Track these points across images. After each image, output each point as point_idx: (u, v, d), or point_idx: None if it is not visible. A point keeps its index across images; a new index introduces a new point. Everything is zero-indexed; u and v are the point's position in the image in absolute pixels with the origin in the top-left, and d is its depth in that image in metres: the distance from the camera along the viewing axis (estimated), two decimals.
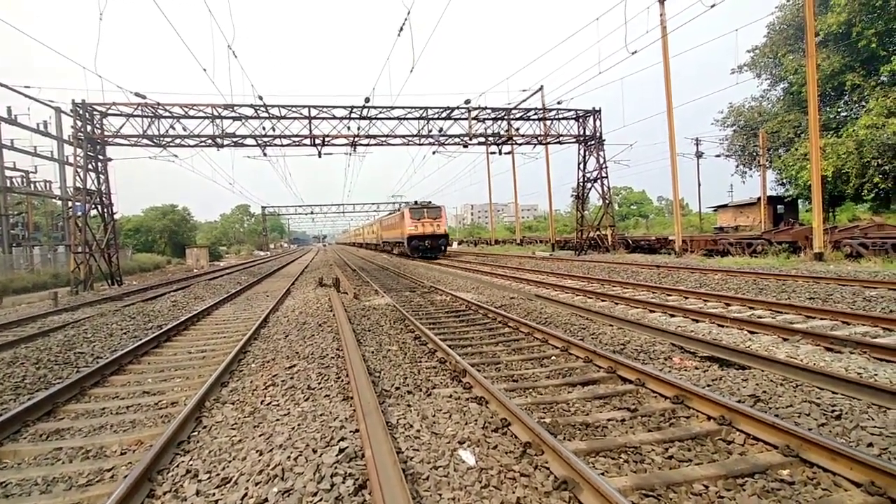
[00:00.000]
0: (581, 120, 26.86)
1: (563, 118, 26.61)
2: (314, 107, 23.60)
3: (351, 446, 3.76)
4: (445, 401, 4.92)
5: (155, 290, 19.21)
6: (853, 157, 27.10)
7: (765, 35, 34.12)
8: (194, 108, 22.51)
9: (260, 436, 4.27)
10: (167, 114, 22.33)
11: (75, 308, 13.98)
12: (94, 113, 21.51)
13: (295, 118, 23.55)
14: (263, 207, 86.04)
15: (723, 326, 7.80)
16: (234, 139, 23.32)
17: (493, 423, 4.27)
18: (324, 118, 23.87)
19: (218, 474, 3.64)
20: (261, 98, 22.38)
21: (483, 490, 3.22)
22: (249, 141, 23.71)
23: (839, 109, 31.98)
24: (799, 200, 32.21)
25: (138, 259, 39.49)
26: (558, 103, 26.35)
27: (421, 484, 3.30)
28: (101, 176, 22.14)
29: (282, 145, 24.42)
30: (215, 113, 22.64)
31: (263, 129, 23.56)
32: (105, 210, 22.39)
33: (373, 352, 7.20)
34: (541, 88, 27.79)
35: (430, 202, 34.14)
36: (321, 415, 4.60)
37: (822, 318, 7.86)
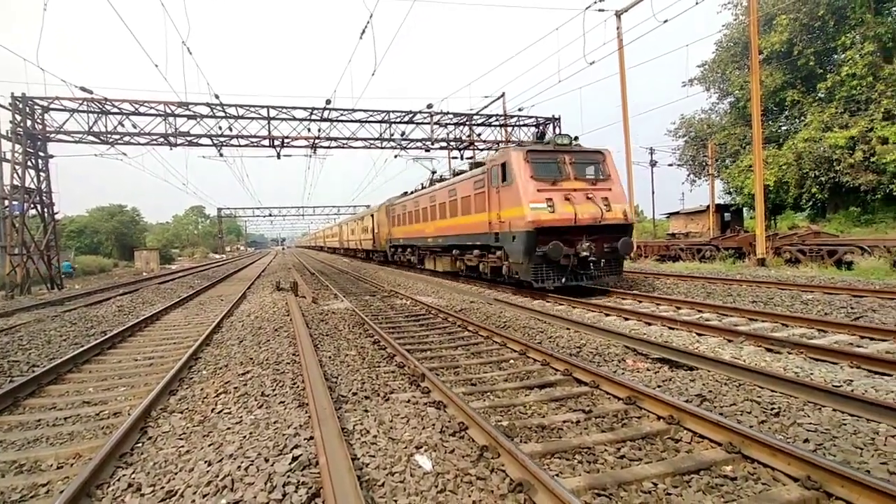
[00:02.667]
0: (541, 127, 27.37)
1: (524, 125, 27.05)
2: (273, 107, 23.09)
3: (305, 454, 3.68)
4: (403, 405, 4.89)
5: (100, 293, 18.26)
6: (793, 168, 28.76)
7: (713, 52, 35.78)
8: (145, 104, 21.59)
9: (209, 445, 4.11)
10: (116, 110, 21.31)
11: (10, 314, 13.10)
12: (35, 107, 20.31)
13: (253, 118, 22.96)
14: (219, 209, 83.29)
15: (673, 329, 8.08)
16: (189, 138, 22.50)
17: (451, 428, 4.27)
18: (283, 119, 23.38)
19: (163, 487, 3.48)
20: (217, 97, 21.69)
21: (439, 495, 3.21)
22: (205, 140, 22.92)
23: (781, 124, 33.89)
24: (744, 209, 33.85)
25: (81, 262, 37.44)
26: (519, 110, 26.76)
27: (376, 490, 3.26)
28: (41, 174, 20.91)
29: (239, 145, 23.75)
30: (168, 111, 21.79)
31: (220, 128, 22.85)
32: (45, 210, 21.15)
33: (330, 357, 7.07)
34: (502, 95, 28.12)
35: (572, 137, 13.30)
36: (275, 422, 4.48)
37: (763, 321, 8.28)
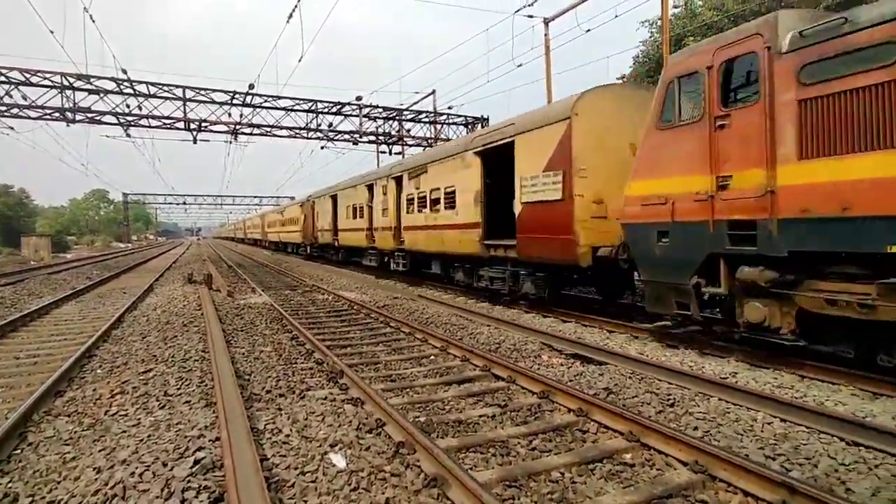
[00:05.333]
0: (470, 126, 27.79)
1: (454, 123, 27.31)
2: (190, 88, 21.60)
3: (209, 456, 3.48)
4: (320, 403, 4.77)
5: None
6: None
7: (630, 66, 38.12)
8: (38, 74, 19.40)
9: (100, 451, 3.77)
10: (1, 78, 18.97)
11: None
12: None
13: (167, 98, 21.35)
14: (125, 194, 76.78)
15: (587, 326, 8.51)
16: (90, 115, 20.51)
17: (368, 424, 4.22)
18: (201, 101, 21.95)
19: (43, 497, 3.15)
20: (124, 71, 19.95)
21: (352, 493, 3.16)
22: (109, 118, 21.02)
23: None
24: None
25: None
26: (449, 108, 27.01)
27: (285, 492, 3.15)
28: None
29: (150, 126, 22.04)
30: (66, 83, 19.72)
31: (127, 106, 21.03)
32: None
33: (244, 353, 6.75)
34: (433, 92, 28.20)
35: None
36: (177, 424, 4.20)
37: (666, 318, 8.92)
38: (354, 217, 19.72)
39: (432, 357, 6.67)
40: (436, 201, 12.82)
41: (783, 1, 20.26)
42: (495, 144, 10.40)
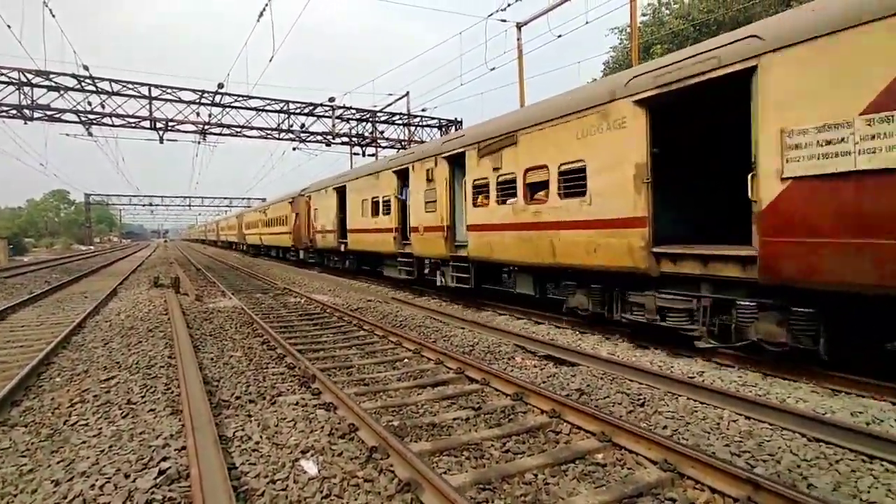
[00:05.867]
0: (444, 129, 27.83)
1: (427, 125, 27.29)
2: (156, 86, 20.96)
3: (175, 466, 3.37)
4: (291, 409, 4.68)
5: None
6: None
7: (601, 71, 38.85)
8: None
9: (59, 463, 3.61)
10: None
11: None
12: None
13: (131, 96, 20.65)
14: (87, 194, 74.10)
15: (559, 328, 8.60)
16: (49, 112, 19.70)
17: (341, 430, 4.16)
18: (168, 100, 21.32)
19: None
20: (86, 68, 19.25)
21: (324, 500, 3.11)
22: (70, 116, 20.22)
23: None
24: None
25: None
26: (423, 110, 26.98)
27: (255, 501, 3.07)
28: None
29: (113, 125, 21.29)
30: (24, 79, 18.90)
31: (89, 104, 20.26)
32: None
33: (213, 359, 6.58)
34: (406, 94, 28.13)
35: None
36: (141, 433, 4.06)
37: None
38: (375, 214, 15.13)
39: (406, 360, 6.63)
40: (538, 186, 8.64)
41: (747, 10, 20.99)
42: (696, 79, 5.90)
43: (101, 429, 4.22)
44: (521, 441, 4.04)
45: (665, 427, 4.22)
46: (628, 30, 35.04)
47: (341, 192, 18.18)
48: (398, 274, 13.87)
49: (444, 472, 3.44)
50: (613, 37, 38.11)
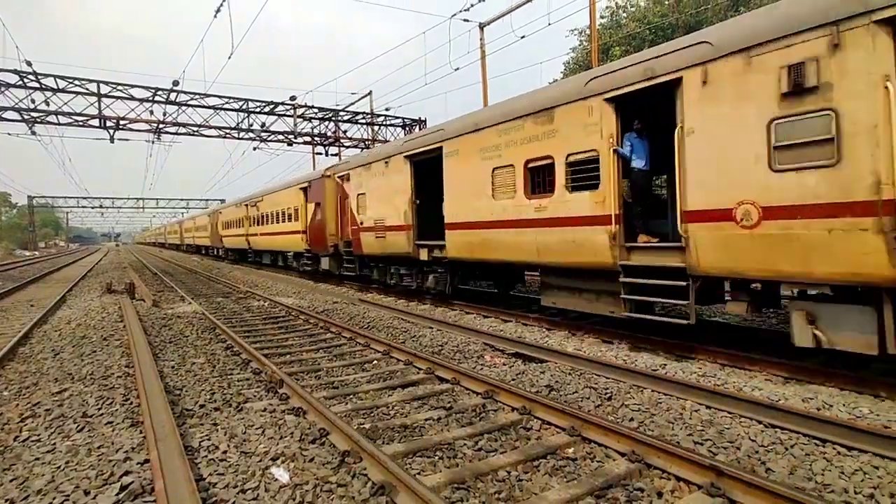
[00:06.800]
0: (408, 128, 27.73)
1: (391, 125, 27.13)
2: (106, 83, 20.01)
3: (137, 480, 3.24)
4: (259, 415, 4.57)
5: None
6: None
7: (561, 71, 39.57)
8: None
9: (11, 481, 3.41)
10: None
11: None
12: None
13: (79, 93, 19.64)
14: (30, 197, 70.10)
15: (526, 325, 8.72)
16: None
17: (311, 435, 4.09)
18: (119, 97, 20.40)
19: None
20: (29, 63, 18.21)
21: None
22: (11, 115, 19.08)
23: None
24: None
25: None
26: (386, 110, 26.81)
27: None
28: None
29: (59, 124, 20.19)
30: None
31: (32, 101, 19.17)
32: None
33: (174, 367, 6.35)
34: (370, 93, 27.91)
35: None
36: (100, 447, 3.88)
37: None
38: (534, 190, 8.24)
39: (375, 361, 6.58)
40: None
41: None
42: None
43: (55, 444, 4.01)
44: (494, 439, 4.07)
45: (632, 419, 4.35)
46: (588, 31, 35.86)
47: (427, 162, 10.97)
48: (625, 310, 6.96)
49: (418, 474, 3.44)
50: (573, 38, 38.95)
